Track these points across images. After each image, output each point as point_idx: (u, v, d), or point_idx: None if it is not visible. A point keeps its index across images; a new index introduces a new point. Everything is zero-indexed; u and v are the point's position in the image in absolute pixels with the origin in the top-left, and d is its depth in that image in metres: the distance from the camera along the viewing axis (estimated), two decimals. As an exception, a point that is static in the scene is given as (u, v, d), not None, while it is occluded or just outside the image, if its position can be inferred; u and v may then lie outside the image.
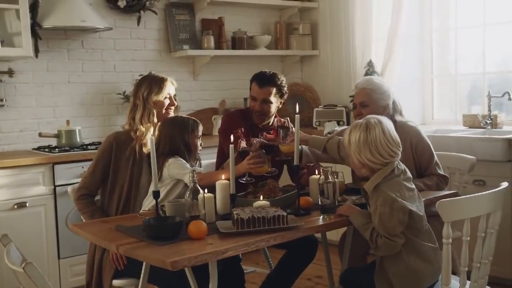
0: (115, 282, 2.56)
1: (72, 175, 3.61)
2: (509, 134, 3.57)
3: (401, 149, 2.20)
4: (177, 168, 2.58)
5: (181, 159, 2.62)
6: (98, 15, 4.09)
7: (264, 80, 3.00)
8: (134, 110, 2.76)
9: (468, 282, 2.14)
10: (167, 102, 2.81)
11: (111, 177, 2.70)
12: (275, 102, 3.03)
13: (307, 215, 2.32)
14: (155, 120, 2.75)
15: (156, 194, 2.22)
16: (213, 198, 2.29)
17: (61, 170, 3.59)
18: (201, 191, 2.21)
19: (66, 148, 3.80)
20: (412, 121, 2.95)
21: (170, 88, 2.82)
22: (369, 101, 2.86)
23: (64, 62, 4.17)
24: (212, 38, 4.66)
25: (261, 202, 2.31)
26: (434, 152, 2.83)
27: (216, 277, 2.04)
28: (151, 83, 2.77)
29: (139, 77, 3.12)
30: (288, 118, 2.79)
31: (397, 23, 4.40)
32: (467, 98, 4.58)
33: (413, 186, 2.24)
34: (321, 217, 2.29)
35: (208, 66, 4.76)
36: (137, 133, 2.70)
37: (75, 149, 3.79)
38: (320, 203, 2.33)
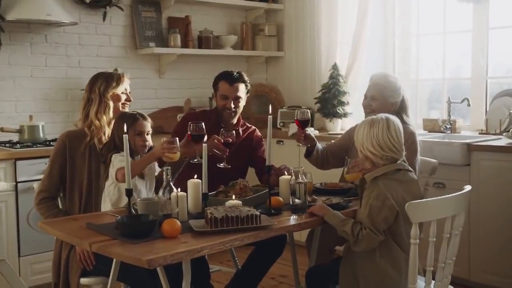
0: (83, 280, 2.52)
1: (34, 171, 3.53)
2: (468, 139, 3.71)
3: (403, 148, 2.29)
4: (116, 163, 2.50)
5: (119, 157, 2.50)
6: (63, 9, 4.02)
7: (234, 78, 3.08)
8: (88, 106, 2.71)
9: (432, 282, 2.22)
10: (124, 97, 2.78)
11: (69, 175, 2.65)
12: (244, 99, 3.12)
13: (278, 214, 2.36)
14: (111, 114, 2.71)
15: (129, 192, 2.21)
16: (186, 197, 2.30)
17: (23, 166, 3.51)
18: (174, 189, 2.22)
19: (28, 144, 3.72)
20: (412, 125, 3.01)
21: (126, 84, 2.79)
22: (379, 96, 2.96)
23: (27, 56, 4.07)
24: (178, 36, 4.65)
25: (233, 201, 2.33)
26: (418, 159, 2.92)
27: (190, 275, 2.05)
28: (108, 77, 2.74)
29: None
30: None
31: (362, 28, 4.50)
32: (425, 103, 4.72)
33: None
34: (292, 216, 2.33)
35: (174, 64, 4.75)
36: (92, 127, 2.66)
37: (38, 145, 3.71)
38: (291, 203, 2.37)
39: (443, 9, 4.42)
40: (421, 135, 4.06)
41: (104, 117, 2.68)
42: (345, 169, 2.54)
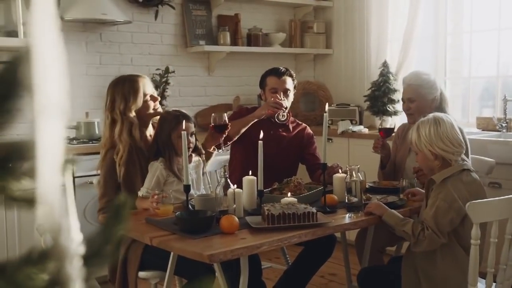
0: (141, 274, 2.57)
1: (91, 167, 3.56)
2: (525, 138, 3.61)
3: (465, 146, 2.30)
4: (147, 177, 2.53)
5: (156, 164, 2.53)
6: (117, 8, 4.11)
7: (282, 72, 3.13)
8: (113, 126, 2.59)
9: (493, 284, 2.17)
10: (151, 104, 2.66)
11: (127, 189, 2.59)
12: (292, 92, 3.16)
13: (333, 213, 2.36)
14: (136, 133, 2.59)
15: (187, 188, 2.25)
16: (242, 194, 2.32)
17: (80, 162, 3.59)
18: (231, 185, 2.24)
19: (84, 140, 3.83)
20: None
21: (146, 88, 2.65)
22: (416, 97, 2.94)
23: (82, 54, 4.18)
24: (228, 34, 4.69)
25: (289, 198, 2.34)
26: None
27: (247, 271, 2.07)
28: (125, 93, 2.60)
29: (114, 81, 2.75)
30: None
31: (413, 24, 4.44)
32: (477, 101, 4.62)
33: None
34: (348, 215, 2.32)
35: (223, 62, 4.79)
36: (116, 152, 2.56)
37: (94, 141, 3.81)
38: (347, 201, 2.36)
39: (499, 4, 4.31)
40: (475, 134, 3.98)
41: (125, 135, 2.57)
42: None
